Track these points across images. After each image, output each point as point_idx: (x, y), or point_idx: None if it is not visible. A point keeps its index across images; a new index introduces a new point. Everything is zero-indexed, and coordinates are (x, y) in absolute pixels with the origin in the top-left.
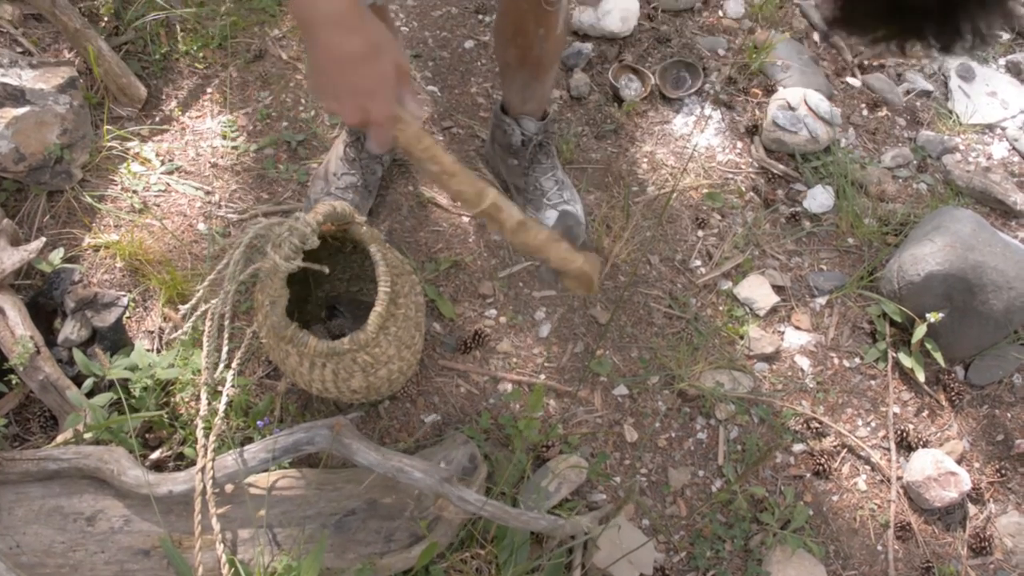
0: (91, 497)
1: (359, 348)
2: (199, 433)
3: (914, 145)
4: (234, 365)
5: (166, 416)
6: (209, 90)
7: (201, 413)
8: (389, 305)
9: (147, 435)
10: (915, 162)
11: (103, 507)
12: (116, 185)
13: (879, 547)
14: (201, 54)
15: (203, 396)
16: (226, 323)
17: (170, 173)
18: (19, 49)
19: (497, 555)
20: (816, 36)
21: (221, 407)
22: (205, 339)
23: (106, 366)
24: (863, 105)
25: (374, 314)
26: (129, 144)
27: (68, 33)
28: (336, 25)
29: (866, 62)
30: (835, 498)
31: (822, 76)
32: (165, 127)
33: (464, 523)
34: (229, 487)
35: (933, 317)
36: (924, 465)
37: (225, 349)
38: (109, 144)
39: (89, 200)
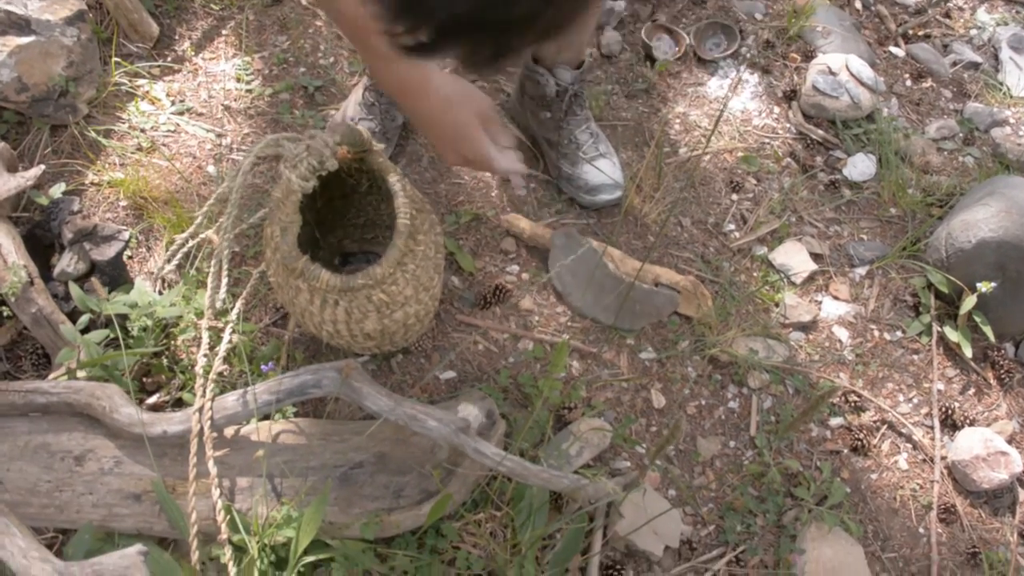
0: (80, 436)
1: (375, 284)
2: (198, 370)
3: (960, 117)
4: (239, 305)
5: (166, 360)
6: (224, 32)
7: (202, 351)
8: (408, 240)
9: (144, 379)
10: (961, 135)
11: (93, 447)
12: (123, 123)
13: (921, 529)
14: None
15: (204, 334)
16: (230, 237)
17: (180, 114)
18: None
19: (514, 518)
20: (859, 4)
21: (223, 346)
22: (210, 279)
23: (103, 297)
24: (907, 75)
25: (392, 247)
26: (139, 82)
27: None
28: (410, 94)
29: (910, 31)
30: (874, 476)
31: (864, 44)
32: (177, 66)
33: (478, 482)
34: (229, 431)
35: (984, 286)
36: (972, 443)
37: (225, 280)
38: (117, 80)
39: (94, 135)
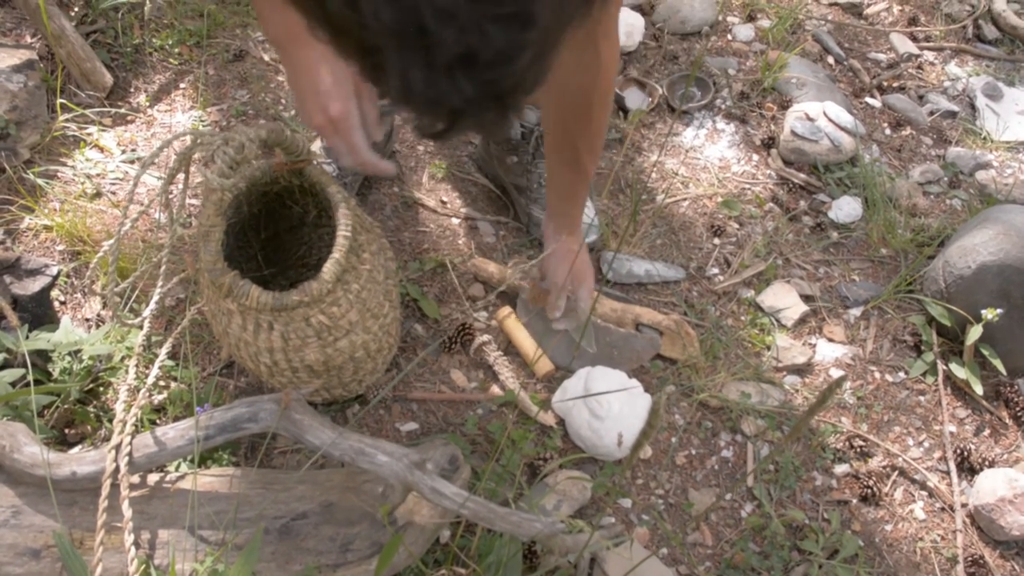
0: None
1: (312, 302)
2: (118, 407)
3: (943, 162)
4: (169, 342)
5: (93, 409)
6: (182, 85)
7: (126, 383)
8: (349, 255)
9: (67, 429)
10: (946, 178)
11: None
12: (68, 168)
13: None
14: (177, 50)
15: (131, 368)
16: (171, 237)
17: (131, 162)
18: None
19: (481, 575)
20: (831, 59)
21: (150, 378)
22: (147, 321)
23: (13, 321)
24: (885, 124)
25: (331, 261)
26: (88, 129)
27: (28, 9)
28: (293, 40)
29: (885, 83)
30: (888, 527)
31: (840, 94)
32: (130, 116)
33: (438, 530)
34: (152, 478)
35: (990, 313)
36: (995, 485)
37: (154, 301)
38: (64, 125)
39: (34, 179)
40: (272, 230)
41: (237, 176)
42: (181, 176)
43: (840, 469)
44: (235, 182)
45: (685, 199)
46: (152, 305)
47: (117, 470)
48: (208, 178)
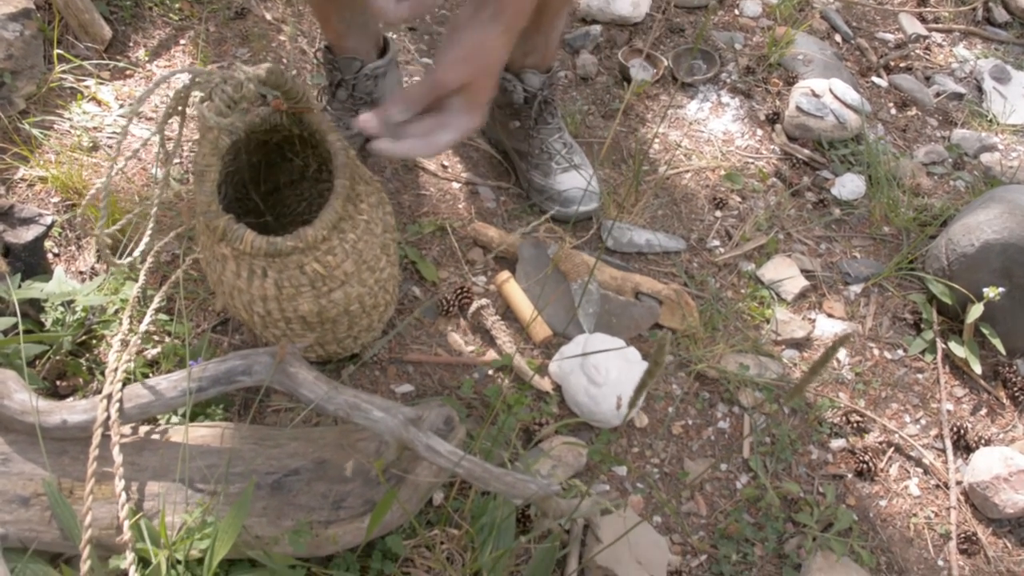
0: None
1: (307, 248)
2: (111, 356)
3: (948, 143)
4: (163, 291)
5: (85, 362)
6: (182, 42)
7: (119, 334)
8: (346, 203)
9: (59, 381)
10: (950, 160)
11: None
12: (65, 120)
13: (940, 562)
14: (177, 5)
15: (125, 319)
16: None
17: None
18: None
19: (473, 537)
20: (839, 37)
21: (143, 326)
22: (142, 277)
23: (3, 268)
24: (891, 104)
25: (328, 208)
26: (86, 82)
27: None
28: None
29: (892, 63)
30: (883, 503)
31: (846, 72)
32: (128, 70)
33: (432, 490)
34: (144, 429)
35: (992, 292)
36: (991, 463)
37: (147, 247)
38: (61, 75)
39: (29, 130)
40: (272, 183)
41: (235, 116)
42: (176, 129)
43: (836, 444)
44: (232, 121)
45: (688, 171)
46: (147, 251)
47: (108, 419)
48: (205, 115)
